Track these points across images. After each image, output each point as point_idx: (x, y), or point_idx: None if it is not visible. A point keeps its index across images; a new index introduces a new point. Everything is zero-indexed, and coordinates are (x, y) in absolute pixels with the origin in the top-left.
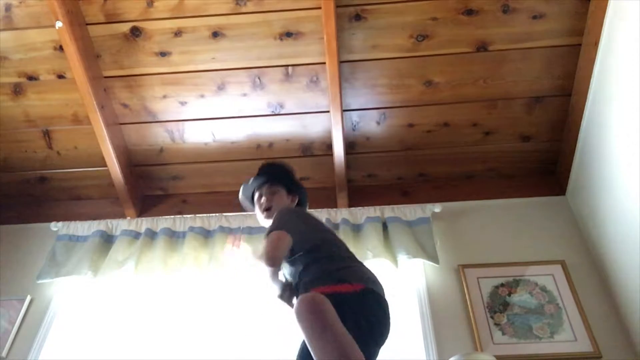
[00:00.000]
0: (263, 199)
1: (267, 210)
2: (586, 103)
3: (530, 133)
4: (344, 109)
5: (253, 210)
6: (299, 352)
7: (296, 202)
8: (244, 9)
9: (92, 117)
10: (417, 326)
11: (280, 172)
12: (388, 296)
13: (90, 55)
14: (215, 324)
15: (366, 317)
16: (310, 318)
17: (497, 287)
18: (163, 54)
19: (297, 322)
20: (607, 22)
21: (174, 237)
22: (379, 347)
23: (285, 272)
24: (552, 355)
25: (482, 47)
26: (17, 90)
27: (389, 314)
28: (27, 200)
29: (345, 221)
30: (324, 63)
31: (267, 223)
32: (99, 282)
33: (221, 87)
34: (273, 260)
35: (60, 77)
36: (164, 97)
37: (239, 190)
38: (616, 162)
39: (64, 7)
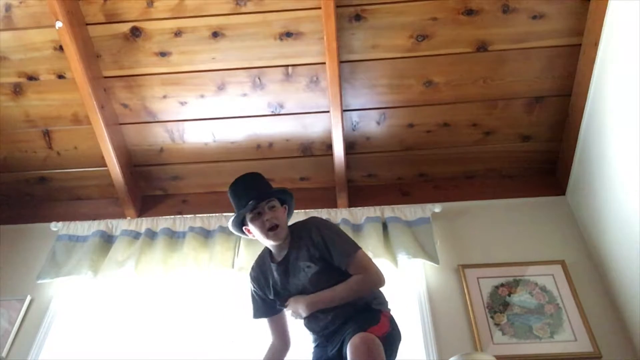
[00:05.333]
0: (267, 217)
1: (273, 229)
2: (586, 103)
3: (530, 133)
4: (344, 109)
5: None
6: None
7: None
8: (244, 9)
9: (92, 117)
10: (417, 326)
11: (266, 183)
12: None
13: (90, 55)
14: (215, 324)
15: None
16: None
17: (497, 287)
18: (163, 54)
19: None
20: (607, 22)
21: (174, 237)
22: None
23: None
24: (552, 355)
25: (482, 47)
26: (17, 90)
27: None
28: (27, 200)
29: (345, 221)
30: (324, 63)
31: (271, 242)
32: (99, 282)
33: (221, 87)
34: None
35: (60, 77)
36: (164, 97)
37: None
38: (616, 162)
39: (64, 7)
